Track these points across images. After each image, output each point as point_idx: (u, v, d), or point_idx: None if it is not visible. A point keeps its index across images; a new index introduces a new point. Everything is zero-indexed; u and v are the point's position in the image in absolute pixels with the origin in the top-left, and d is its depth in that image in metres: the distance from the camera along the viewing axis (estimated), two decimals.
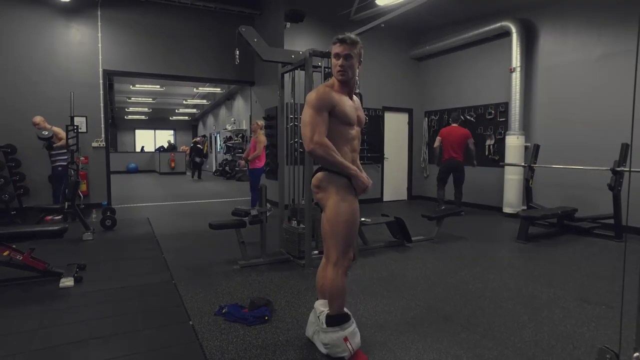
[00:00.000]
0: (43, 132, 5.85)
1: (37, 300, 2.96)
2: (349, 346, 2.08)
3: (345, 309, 2.18)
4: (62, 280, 3.22)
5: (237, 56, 3.82)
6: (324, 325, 2.13)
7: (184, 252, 4.36)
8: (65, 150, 5.94)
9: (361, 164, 6.33)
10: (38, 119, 6.10)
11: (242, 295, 3.08)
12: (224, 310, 2.72)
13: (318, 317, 2.21)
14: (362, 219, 4.44)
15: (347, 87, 2.14)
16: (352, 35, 2.07)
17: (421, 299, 3.02)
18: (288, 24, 7.05)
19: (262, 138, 6.29)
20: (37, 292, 3.13)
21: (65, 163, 5.95)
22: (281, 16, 7.03)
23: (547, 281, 3.40)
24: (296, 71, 4.09)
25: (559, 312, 2.76)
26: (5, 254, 3.24)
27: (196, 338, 2.38)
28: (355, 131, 2.17)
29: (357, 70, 2.13)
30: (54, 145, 6.02)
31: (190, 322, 2.60)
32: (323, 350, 2.15)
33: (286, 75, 4.29)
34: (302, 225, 3.99)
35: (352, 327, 2.14)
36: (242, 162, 6.33)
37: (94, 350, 2.25)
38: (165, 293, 3.13)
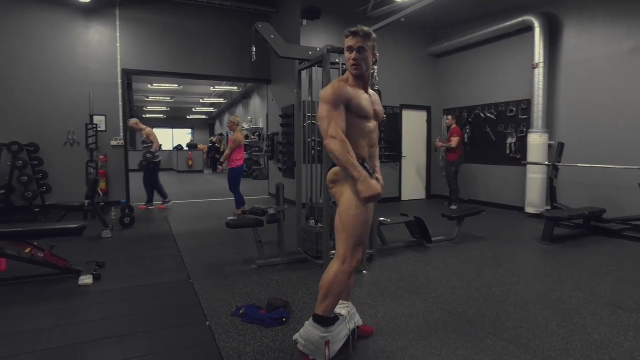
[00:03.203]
0: (150, 152, 6.81)
1: (55, 298, 2.98)
2: (327, 352, 1.97)
3: (337, 311, 2.11)
4: (81, 278, 3.24)
5: (254, 53, 3.77)
6: (311, 319, 2.03)
7: (201, 250, 4.35)
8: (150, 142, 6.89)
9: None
10: (133, 121, 6.88)
11: (259, 295, 3.04)
12: (241, 311, 2.68)
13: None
14: (382, 219, 4.36)
15: (362, 81, 2.07)
16: (365, 28, 2.00)
17: (443, 301, 2.92)
18: (304, 21, 6.99)
19: (238, 136, 5.99)
20: (57, 290, 3.15)
21: (158, 160, 6.96)
22: (297, 13, 6.97)
23: (575, 285, 3.25)
24: (314, 68, 4.02)
25: (590, 318, 2.62)
26: (27, 250, 3.27)
27: (213, 339, 2.34)
28: (372, 125, 2.10)
29: (374, 65, 2.07)
30: (152, 149, 6.75)
31: (207, 323, 2.56)
32: (301, 341, 2.01)
33: (303, 73, 4.23)
34: (320, 225, 3.92)
35: (337, 330, 2.03)
36: (221, 167, 6.12)
37: (111, 349, 2.23)
38: (183, 292, 3.11)
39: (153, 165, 6.91)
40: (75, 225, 3.42)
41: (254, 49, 3.80)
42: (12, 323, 2.57)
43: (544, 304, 2.87)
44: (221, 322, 2.57)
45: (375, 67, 2.10)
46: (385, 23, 3.51)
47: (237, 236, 4.84)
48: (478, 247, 4.47)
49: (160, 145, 6.74)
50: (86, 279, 3.23)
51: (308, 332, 1.99)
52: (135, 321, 2.60)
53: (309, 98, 4.19)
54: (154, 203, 7.14)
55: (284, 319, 2.56)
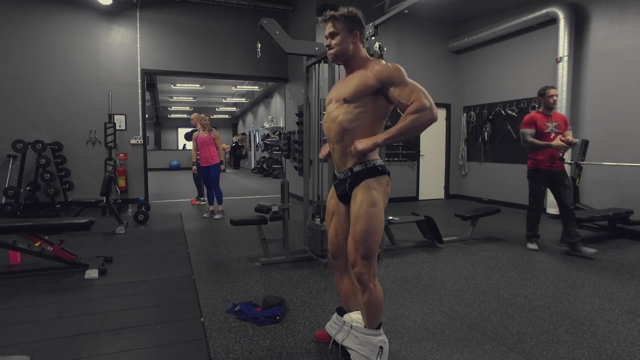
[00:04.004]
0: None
1: (62, 290, 3.05)
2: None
3: (354, 317, 2.05)
4: (87, 272, 3.30)
5: (259, 49, 3.76)
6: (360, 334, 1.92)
7: (209, 247, 4.38)
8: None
9: (396, 161, 6.28)
10: (195, 116, 7.19)
11: (259, 293, 3.01)
12: (236, 308, 2.66)
13: (350, 326, 1.99)
14: (390, 218, 4.26)
15: (346, 65, 1.96)
16: (332, 11, 1.89)
17: (445, 304, 2.80)
18: (320, 19, 6.93)
19: (218, 134, 6.23)
20: (64, 283, 3.23)
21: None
22: (313, 11, 6.92)
23: (592, 290, 3.06)
24: (324, 65, 3.97)
25: (603, 326, 2.45)
26: (37, 244, 3.37)
27: (204, 335, 2.33)
28: (330, 108, 1.99)
29: (357, 43, 1.90)
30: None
31: (202, 319, 2.56)
32: (357, 354, 1.90)
33: (311, 69, 4.18)
34: (325, 223, 3.86)
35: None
36: (224, 167, 6.16)
37: (104, 342, 2.25)
38: (183, 288, 3.13)
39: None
40: (83, 221, 3.50)
41: (259, 45, 3.79)
42: (17, 313, 2.65)
43: (553, 309, 2.70)
44: (215, 319, 2.55)
45: (360, 44, 1.92)
46: (389, 16, 3.41)
47: (246, 233, 4.85)
48: (491, 249, 4.29)
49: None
50: (92, 273, 3.30)
51: (367, 340, 1.89)
52: (132, 315, 2.62)
53: (318, 95, 4.14)
54: (204, 198, 7.30)
55: (278, 317, 2.52)
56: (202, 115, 6.28)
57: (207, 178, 6.16)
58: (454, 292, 3.03)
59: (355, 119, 1.85)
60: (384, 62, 1.87)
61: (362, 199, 1.82)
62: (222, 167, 6.09)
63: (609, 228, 4.82)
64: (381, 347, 1.85)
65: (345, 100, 1.87)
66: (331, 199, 2.08)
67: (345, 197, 1.94)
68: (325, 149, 2.15)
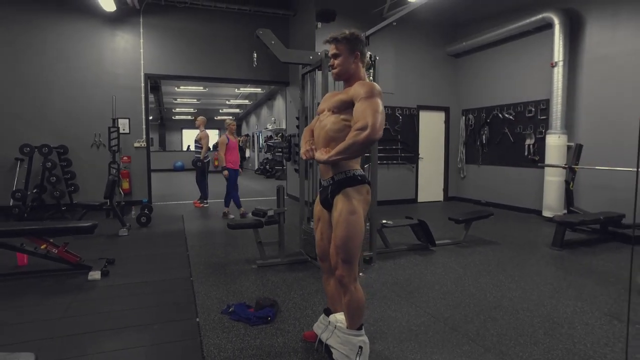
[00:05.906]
0: (198, 153, 7.46)
1: (66, 291, 3.20)
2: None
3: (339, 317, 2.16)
4: (91, 273, 3.45)
5: (255, 59, 3.88)
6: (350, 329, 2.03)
7: (209, 249, 4.51)
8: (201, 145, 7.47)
9: (394, 164, 6.46)
10: (201, 119, 7.59)
11: (254, 294, 3.14)
12: (230, 309, 2.79)
13: (335, 327, 2.11)
14: (384, 221, 4.38)
15: (345, 81, 2.09)
16: (335, 34, 2.03)
17: (432, 306, 2.92)
18: (319, 24, 7.04)
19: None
20: (68, 284, 3.37)
21: (207, 160, 7.54)
22: (313, 16, 7.04)
23: (576, 293, 3.16)
24: (319, 72, 4.08)
25: (581, 328, 2.55)
26: (42, 247, 3.52)
27: (199, 335, 2.46)
28: (322, 116, 2.14)
29: (358, 63, 2.04)
30: (201, 151, 7.41)
31: (197, 319, 2.69)
32: (338, 352, 2.03)
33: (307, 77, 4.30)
34: None
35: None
36: (240, 170, 6.50)
37: (105, 340, 2.40)
38: (181, 289, 3.26)
39: (202, 165, 7.44)
40: (87, 224, 3.64)
41: (256, 55, 3.91)
42: (24, 313, 2.80)
43: (535, 311, 2.81)
44: (210, 319, 2.68)
45: (360, 63, 2.06)
46: (380, 27, 3.53)
47: (244, 236, 4.98)
48: (483, 252, 4.39)
49: (210, 148, 7.31)
50: (95, 275, 3.44)
51: (348, 340, 2.00)
52: (133, 315, 2.76)
53: (313, 101, 4.26)
54: (208, 201, 7.63)
55: (269, 318, 2.65)
56: (228, 120, 6.63)
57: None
58: (441, 295, 3.14)
59: (342, 129, 1.98)
60: (366, 82, 2.00)
61: (342, 207, 1.94)
62: (241, 170, 6.57)
63: (600, 231, 4.90)
64: (361, 347, 1.97)
65: (333, 112, 2.03)
66: (317, 205, 2.21)
67: (327, 204, 2.06)
68: (306, 146, 2.10)
